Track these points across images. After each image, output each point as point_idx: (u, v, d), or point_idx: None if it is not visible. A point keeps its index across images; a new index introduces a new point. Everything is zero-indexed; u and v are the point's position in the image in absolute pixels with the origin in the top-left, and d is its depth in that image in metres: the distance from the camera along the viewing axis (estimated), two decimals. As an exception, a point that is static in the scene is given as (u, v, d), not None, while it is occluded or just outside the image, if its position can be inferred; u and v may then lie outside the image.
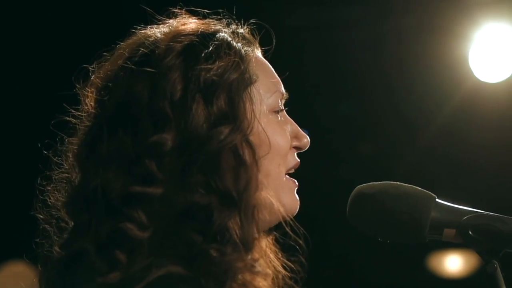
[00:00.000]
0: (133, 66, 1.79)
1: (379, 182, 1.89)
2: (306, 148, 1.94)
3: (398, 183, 1.88)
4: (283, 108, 1.92)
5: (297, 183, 1.91)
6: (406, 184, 1.87)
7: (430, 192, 1.85)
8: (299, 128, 1.93)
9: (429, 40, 5.27)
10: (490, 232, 1.78)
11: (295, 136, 1.92)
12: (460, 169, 5.59)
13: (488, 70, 5.33)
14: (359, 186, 1.91)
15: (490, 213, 1.81)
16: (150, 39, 1.84)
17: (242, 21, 1.97)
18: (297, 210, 1.89)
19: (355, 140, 5.88)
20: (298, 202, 1.90)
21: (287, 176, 1.90)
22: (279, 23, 5.30)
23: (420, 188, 1.86)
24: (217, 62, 1.80)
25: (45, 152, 1.91)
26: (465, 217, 1.80)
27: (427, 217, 1.81)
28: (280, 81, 1.94)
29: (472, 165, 5.61)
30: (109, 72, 1.84)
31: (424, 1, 5.14)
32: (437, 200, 1.84)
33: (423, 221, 1.81)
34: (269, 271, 1.87)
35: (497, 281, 1.77)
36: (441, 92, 5.49)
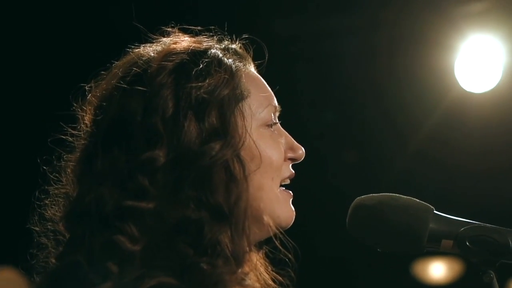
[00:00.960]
0: (126, 86, 1.83)
1: (379, 194, 1.92)
2: (301, 160, 1.96)
3: (397, 195, 1.91)
4: (276, 121, 1.94)
5: (292, 194, 1.93)
6: (405, 196, 1.91)
7: (428, 204, 1.89)
8: (293, 140, 1.95)
9: (416, 51, 5.34)
10: (487, 243, 1.82)
11: (290, 148, 1.94)
12: (447, 174, 5.66)
13: (473, 80, 5.39)
14: (359, 197, 1.94)
15: (487, 224, 1.85)
16: (143, 58, 1.87)
17: (234, 36, 2.00)
18: (293, 221, 1.92)
19: (345, 147, 5.93)
20: (294, 213, 1.92)
21: (282, 188, 1.92)
22: (269, 32, 5.37)
23: (418, 200, 1.90)
24: (207, 80, 1.82)
25: (44, 167, 1.94)
26: (462, 229, 1.84)
27: (426, 228, 1.85)
28: (273, 94, 1.96)
29: (458, 171, 5.68)
30: (104, 92, 1.88)
31: (412, 13, 5.20)
32: (435, 211, 1.87)
33: (422, 232, 1.85)
34: (258, 285, 1.91)
35: None
36: (428, 101, 5.56)
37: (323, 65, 5.52)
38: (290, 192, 1.93)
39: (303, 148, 1.96)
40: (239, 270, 1.75)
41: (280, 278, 1.96)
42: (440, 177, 5.65)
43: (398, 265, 6.66)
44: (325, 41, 5.45)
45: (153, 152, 1.76)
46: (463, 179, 5.66)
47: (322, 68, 5.52)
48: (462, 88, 5.41)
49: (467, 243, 1.83)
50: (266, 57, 2.04)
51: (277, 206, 1.88)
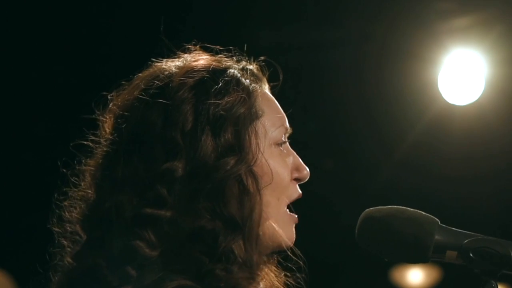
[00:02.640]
0: (148, 98, 1.89)
1: (386, 207, 1.98)
2: (306, 180, 2.01)
3: (403, 207, 1.98)
4: (286, 141, 1.99)
5: (296, 218, 1.98)
6: (411, 209, 1.97)
7: (433, 217, 1.96)
8: (300, 160, 2.00)
9: (402, 64, 5.42)
10: (489, 255, 1.88)
11: (296, 168, 1.98)
12: (431, 183, 5.73)
13: (456, 93, 5.48)
14: (367, 209, 1.97)
15: (490, 237, 1.92)
16: (165, 72, 1.94)
17: (252, 59, 2.05)
18: (292, 243, 1.96)
19: (331, 156, 5.99)
20: (294, 237, 1.97)
21: (288, 210, 1.97)
22: (256, 43, 5.41)
23: (424, 213, 1.96)
24: (225, 98, 1.88)
25: (64, 170, 2.00)
26: (466, 240, 1.90)
27: (431, 239, 1.91)
28: (285, 116, 2.01)
29: (441, 179, 5.75)
30: (126, 101, 1.94)
31: (398, 28, 5.28)
32: (439, 224, 1.95)
33: (428, 244, 1.91)
34: None
35: None
36: (412, 113, 5.64)
37: (311, 76, 5.56)
38: (296, 216, 1.99)
39: (308, 169, 2.01)
40: (253, 278, 1.83)
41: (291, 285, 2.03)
42: (424, 185, 5.72)
43: (377, 271, 6.73)
44: (313, 53, 5.50)
45: (172, 163, 1.82)
46: (446, 187, 5.75)
47: (309, 79, 5.56)
48: (446, 101, 5.50)
49: (471, 254, 1.88)
50: (280, 82, 2.11)
51: (281, 225, 1.93)
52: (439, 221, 1.96)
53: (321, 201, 5.05)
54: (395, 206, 1.99)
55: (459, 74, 5.41)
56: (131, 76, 2.02)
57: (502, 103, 5.48)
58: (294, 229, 1.98)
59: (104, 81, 2.07)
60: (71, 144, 2.02)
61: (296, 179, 2.00)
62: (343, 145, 5.90)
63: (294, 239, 1.98)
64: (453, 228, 1.96)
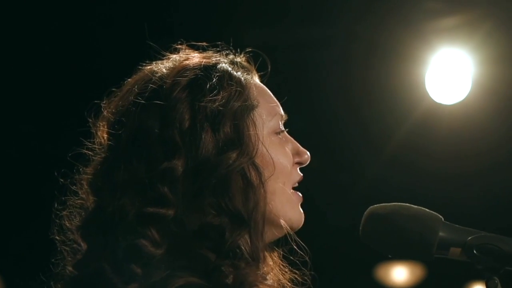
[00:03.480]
0: (144, 101, 1.90)
1: (390, 204, 2.00)
2: (307, 163, 2.05)
3: (408, 204, 2.00)
4: (283, 129, 2.02)
5: (301, 197, 2.01)
6: (415, 206, 2.00)
7: (437, 214, 1.99)
8: (299, 145, 2.03)
9: (389, 63, 5.44)
10: (493, 251, 1.90)
11: (296, 153, 2.02)
12: (418, 181, 5.76)
13: (443, 92, 5.51)
14: (371, 206, 2.00)
15: (493, 234, 1.95)
16: (157, 74, 1.95)
17: (238, 50, 2.08)
18: (302, 223, 2.00)
19: (318, 155, 5.99)
20: (303, 216, 2.00)
21: (292, 190, 2.00)
22: (242, 42, 5.36)
23: (428, 210, 1.99)
24: (221, 93, 1.90)
25: (61, 180, 2.01)
26: (470, 237, 1.93)
27: (435, 236, 1.93)
28: (279, 104, 2.04)
29: (428, 178, 5.79)
30: (121, 107, 1.95)
31: (385, 28, 5.30)
32: (443, 221, 1.97)
33: (432, 240, 1.93)
34: (277, 285, 1.99)
35: None
36: (400, 112, 5.66)
37: (297, 75, 5.56)
38: (300, 195, 2.02)
39: (308, 153, 2.04)
40: (260, 271, 1.85)
41: (296, 277, 2.04)
42: (411, 183, 5.74)
43: (362, 269, 6.77)
44: (300, 52, 5.50)
45: (171, 162, 1.84)
46: (433, 185, 5.77)
47: (296, 79, 5.57)
48: (433, 100, 5.53)
49: (474, 251, 1.89)
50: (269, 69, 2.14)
51: (288, 208, 1.96)
52: (442, 218, 1.98)
53: (307, 200, 5.03)
54: (399, 203, 2.01)
55: (446, 74, 5.45)
56: (121, 82, 2.03)
57: (489, 102, 5.52)
58: (300, 208, 2.00)
59: (93, 89, 2.09)
60: (69, 154, 2.02)
61: (298, 163, 2.03)
62: (330, 144, 5.91)
63: (303, 218, 2.00)
64: (457, 225, 1.98)
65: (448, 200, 5.56)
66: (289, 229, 1.96)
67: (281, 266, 2.04)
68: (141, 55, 2.06)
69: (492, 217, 5.32)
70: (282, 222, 1.94)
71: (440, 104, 5.56)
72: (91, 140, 2.00)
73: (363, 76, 5.52)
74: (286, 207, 1.96)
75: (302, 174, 2.03)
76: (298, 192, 2.02)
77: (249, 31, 5.23)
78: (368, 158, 6.00)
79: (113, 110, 1.96)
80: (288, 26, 5.38)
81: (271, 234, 1.96)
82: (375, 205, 2.02)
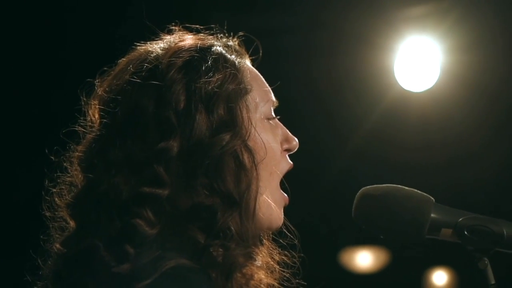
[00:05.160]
0: (139, 80, 1.90)
1: (383, 185, 2.02)
2: (296, 150, 2.05)
3: (400, 186, 2.02)
4: (274, 115, 2.03)
5: (287, 199, 2.02)
6: (407, 188, 2.02)
7: (428, 195, 2.01)
8: (288, 132, 2.04)
9: (357, 51, 5.45)
10: (483, 233, 1.93)
11: (285, 139, 2.03)
12: (387, 170, 5.77)
13: (412, 79, 5.56)
14: (364, 188, 2.03)
15: (484, 216, 1.98)
16: (152, 54, 1.95)
17: (232, 34, 2.09)
18: (280, 225, 1.99)
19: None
20: (282, 220, 2.00)
21: (281, 192, 2.00)
22: (205, 27, 5.31)
23: (420, 191, 2.02)
24: (216, 75, 1.91)
25: (52, 157, 2.00)
26: (460, 219, 1.96)
27: (427, 217, 1.96)
28: (271, 89, 2.05)
29: (397, 167, 5.80)
30: (116, 86, 1.94)
31: (352, 15, 5.31)
32: (435, 202, 1.99)
33: (424, 221, 1.95)
34: (266, 266, 1.99)
35: (488, 276, 1.93)
36: (368, 100, 5.68)
37: (260, 64, 5.53)
38: (287, 196, 2.02)
39: (296, 139, 2.05)
40: (250, 252, 1.85)
41: (286, 260, 2.05)
42: (380, 174, 5.67)
43: (327, 254, 6.80)
44: (264, 39, 5.46)
45: (167, 142, 1.84)
46: (402, 175, 5.73)
47: (258, 67, 5.52)
48: (402, 87, 5.58)
49: (465, 232, 1.94)
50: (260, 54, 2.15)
51: (272, 207, 1.96)
52: (434, 200, 2.00)
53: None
54: (391, 185, 2.04)
55: (415, 61, 5.49)
56: (115, 61, 2.03)
57: (457, 89, 5.58)
58: (282, 211, 2.00)
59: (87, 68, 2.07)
60: (63, 131, 2.02)
61: (286, 150, 2.03)
62: (294, 135, 5.84)
63: (281, 223, 2.00)
64: (448, 207, 2.01)
65: (417, 189, 5.58)
66: (268, 227, 1.98)
67: (271, 249, 2.04)
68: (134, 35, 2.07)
69: (462, 207, 5.36)
70: (274, 206, 1.95)
71: (409, 92, 5.61)
72: (83, 118, 2.00)
73: (329, 64, 5.51)
74: (270, 205, 1.96)
75: (292, 163, 2.04)
76: (285, 194, 2.02)
77: (212, 19, 5.18)
78: (334, 148, 6.00)
79: (107, 89, 1.96)
80: (250, 14, 5.35)
81: (264, 218, 1.95)
82: (368, 186, 2.05)
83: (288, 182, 2.04)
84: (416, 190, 2.03)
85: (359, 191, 2.04)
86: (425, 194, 2.02)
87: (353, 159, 5.97)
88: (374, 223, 2.02)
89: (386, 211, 1.99)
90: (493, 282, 1.93)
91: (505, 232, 1.94)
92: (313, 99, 5.75)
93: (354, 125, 5.84)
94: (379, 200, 1.99)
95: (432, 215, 1.97)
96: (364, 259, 7.26)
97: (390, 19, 5.34)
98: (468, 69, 5.46)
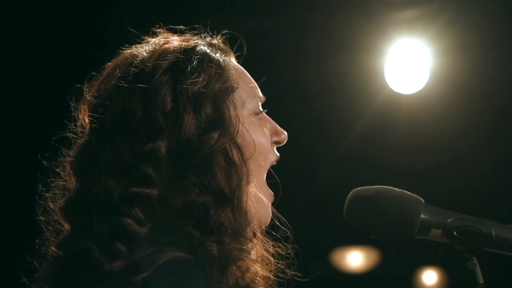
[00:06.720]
0: (126, 85, 1.94)
1: (374, 186, 2.05)
2: (285, 142, 2.09)
3: (390, 187, 2.05)
4: (262, 110, 2.07)
5: (273, 196, 2.06)
6: (397, 189, 2.05)
7: (418, 197, 2.03)
8: (277, 125, 2.09)
9: (347, 54, 5.47)
10: (472, 233, 1.97)
11: (274, 132, 2.07)
12: (377, 172, 5.80)
13: (401, 82, 5.58)
14: (355, 189, 2.06)
15: (473, 216, 2.00)
16: (137, 58, 1.98)
17: (215, 33, 2.12)
18: (268, 221, 2.04)
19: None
20: (270, 215, 2.04)
21: (268, 188, 2.05)
22: (194, 30, 5.28)
23: (410, 193, 2.04)
24: (201, 75, 1.95)
25: (45, 163, 2.03)
26: (450, 219, 1.99)
27: (417, 218, 1.99)
28: (257, 85, 2.09)
29: (387, 170, 5.82)
30: (103, 91, 1.98)
31: (343, 19, 5.32)
32: (425, 203, 2.02)
33: (414, 222, 1.99)
34: (261, 259, 2.03)
35: (476, 276, 1.96)
36: (358, 103, 5.70)
37: (249, 67, 5.53)
38: (273, 194, 2.06)
39: (286, 132, 2.09)
40: (244, 246, 1.89)
41: (281, 252, 2.09)
42: (370, 176, 5.74)
43: (317, 255, 6.81)
44: (254, 42, 5.45)
45: (154, 143, 1.87)
46: (392, 177, 5.74)
47: (250, 69, 5.52)
48: (392, 90, 5.60)
49: (454, 233, 1.97)
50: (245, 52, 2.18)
51: (262, 204, 2.00)
52: (424, 201, 2.03)
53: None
54: (382, 186, 2.07)
55: (405, 64, 5.52)
56: (102, 66, 2.06)
57: (446, 91, 5.60)
58: (270, 207, 2.04)
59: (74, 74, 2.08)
60: (54, 137, 2.05)
61: (276, 142, 2.08)
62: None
63: (269, 219, 2.04)
64: (438, 208, 2.04)
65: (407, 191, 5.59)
66: (259, 224, 2.01)
67: (265, 242, 2.08)
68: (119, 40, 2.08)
69: (452, 209, 5.36)
70: (265, 200, 1.99)
71: (398, 94, 5.62)
72: (74, 124, 2.03)
73: (319, 67, 5.53)
74: (260, 202, 1.99)
75: (278, 155, 2.07)
76: (271, 192, 2.06)
77: (201, 21, 5.16)
78: (325, 151, 6.01)
79: (96, 94, 1.99)
80: (239, 16, 5.35)
81: (256, 212, 1.97)
82: (358, 188, 2.08)
83: (278, 184, 2.06)
84: (406, 192, 2.06)
85: (350, 193, 2.07)
86: (415, 195, 2.05)
87: (344, 161, 5.98)
88: (365, 224, 2.05)
89: (376, 212, 2.02)
90: (481, 281, 1.95)
91: (493, 233, 1.97)
92: (303, 101, 5.76)
93: (344, 127, 5.86)
94: (369, 201, 2.03)
95: (422, 216, 2.00)
96: (355, 259, 7.27)
97: (380, 22, 5.36)
98: (457, 72, 5.48)
